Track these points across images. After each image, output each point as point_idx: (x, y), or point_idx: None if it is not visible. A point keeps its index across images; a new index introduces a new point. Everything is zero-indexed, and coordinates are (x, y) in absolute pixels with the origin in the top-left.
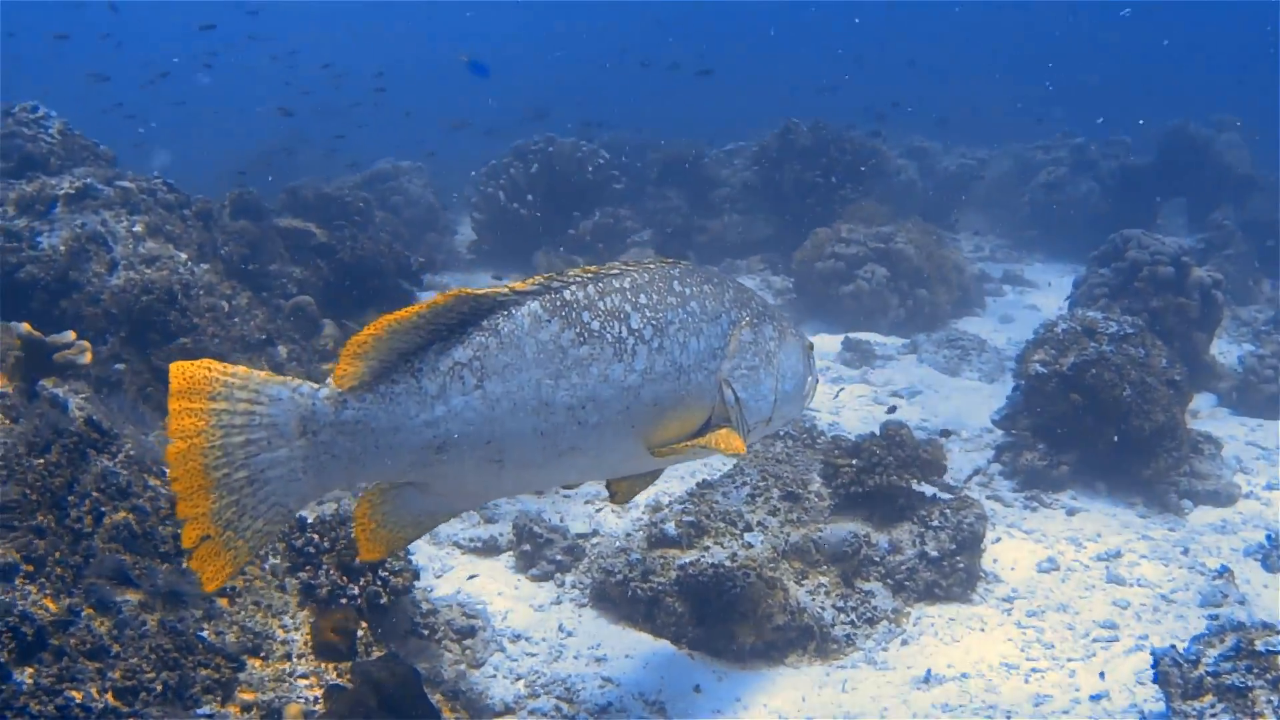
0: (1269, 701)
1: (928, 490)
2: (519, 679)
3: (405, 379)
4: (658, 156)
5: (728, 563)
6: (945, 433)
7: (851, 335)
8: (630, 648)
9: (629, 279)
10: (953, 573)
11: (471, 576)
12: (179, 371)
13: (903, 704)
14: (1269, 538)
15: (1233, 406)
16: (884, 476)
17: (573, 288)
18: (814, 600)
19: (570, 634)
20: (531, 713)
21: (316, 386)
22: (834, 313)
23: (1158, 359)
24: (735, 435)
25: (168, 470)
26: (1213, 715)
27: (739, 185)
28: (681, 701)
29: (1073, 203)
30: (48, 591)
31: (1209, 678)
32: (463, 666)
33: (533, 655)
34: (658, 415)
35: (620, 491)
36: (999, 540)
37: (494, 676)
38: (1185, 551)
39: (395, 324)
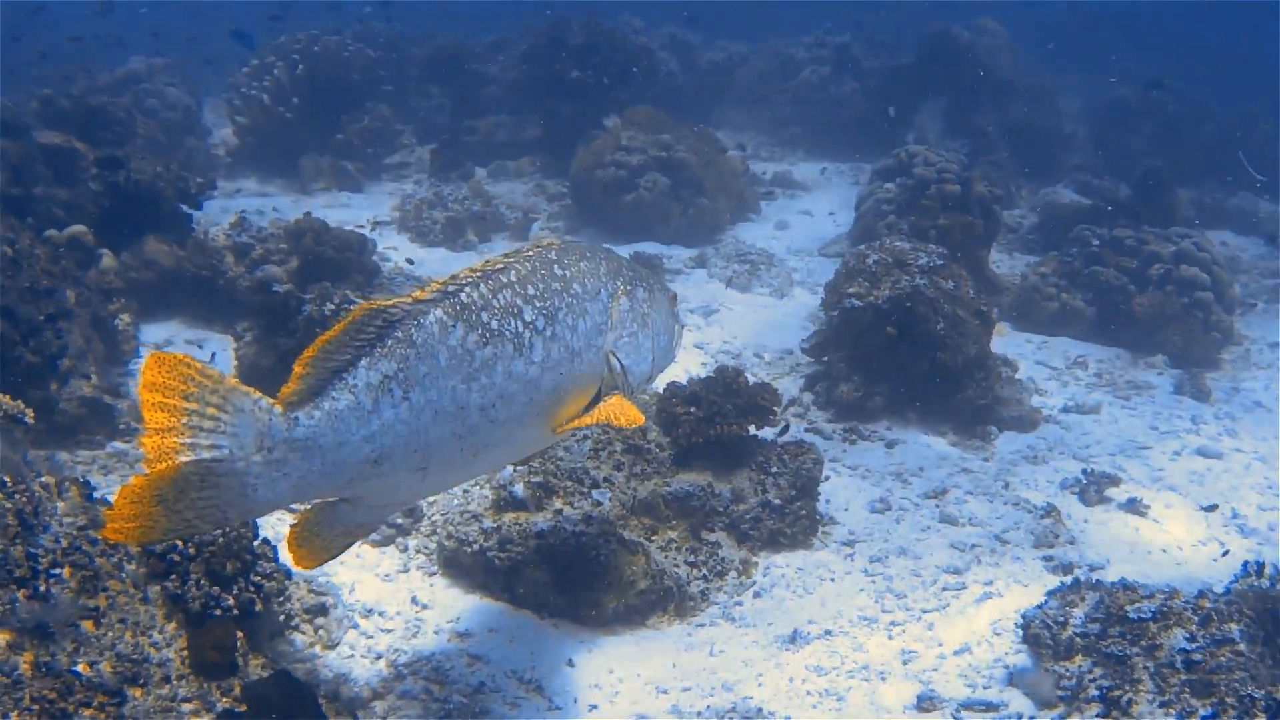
0: (1146, 668)
1: (762, 434)
2: (379, 658)
3: (345, 395)
4: (421, 52)
5: (589, 530)
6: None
7: (639, 249)
8: (493, 621)
9: (514, 272)
10: (795, 520)
11: None
12: (156, 363)
13: (776, 668)
14: (1084, 472)
15: (1012, 321)
16: (724, 426)
17: (467, 289)
18: (667, 558)
19: (426, 606)
20: (401, 696)
21: (273, 402)
22: (614, 222)
23: (966, 289)
24: (627, 404)
25: (143, 458)
26: (1092, 679)
27: (508, 84)
28: (556, 677)
29: (836, 101)
30: None
31: (1079, 639)
32: (317, 649)
33: (389, 631)
34: (558, 399)
35: None
36: (827, 478)
37: (352, 657)
38: (1006, 486)
39: (327, 344)
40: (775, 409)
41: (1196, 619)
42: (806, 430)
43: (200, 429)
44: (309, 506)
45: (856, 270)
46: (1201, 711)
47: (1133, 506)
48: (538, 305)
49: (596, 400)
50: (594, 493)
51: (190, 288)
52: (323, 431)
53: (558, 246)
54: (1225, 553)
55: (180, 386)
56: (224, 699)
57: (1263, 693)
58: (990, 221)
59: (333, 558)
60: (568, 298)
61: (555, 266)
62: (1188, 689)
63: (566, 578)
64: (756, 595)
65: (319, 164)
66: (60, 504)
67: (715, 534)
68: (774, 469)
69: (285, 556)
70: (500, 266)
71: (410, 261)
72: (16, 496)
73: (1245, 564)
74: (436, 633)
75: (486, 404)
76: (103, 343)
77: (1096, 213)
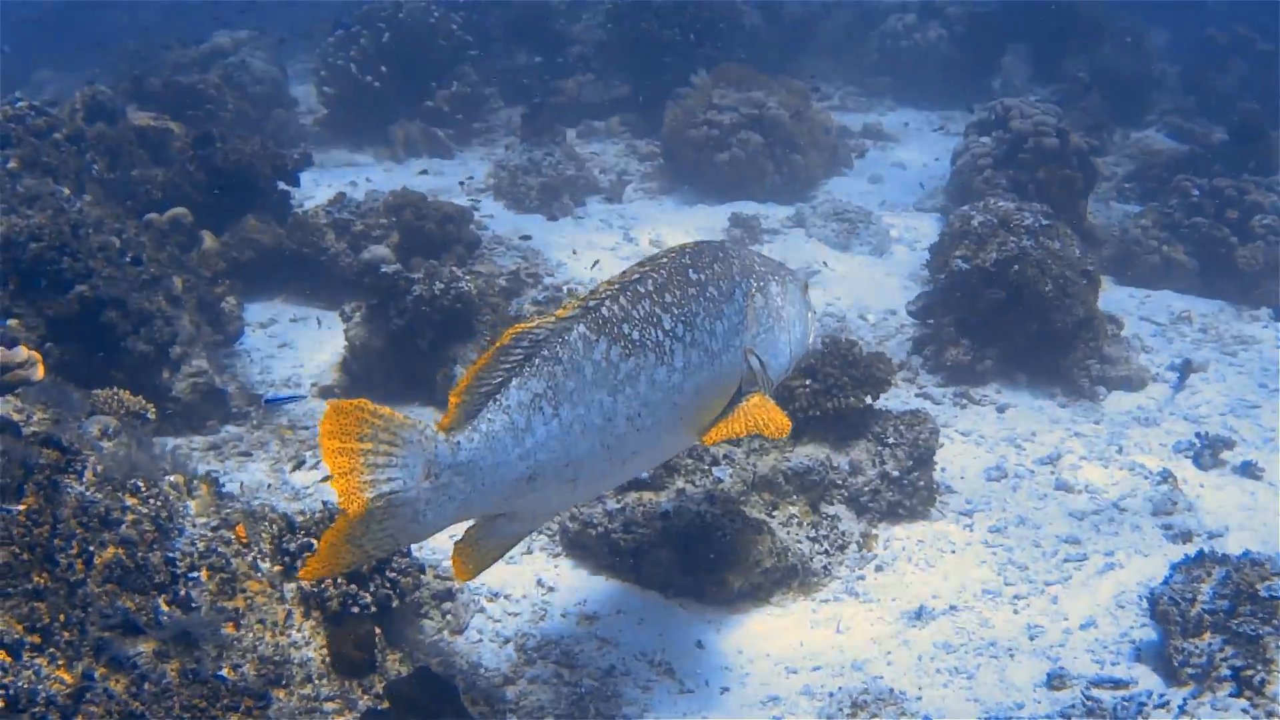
0: (1279, 648)
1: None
2: (507, 642)
3: (500, 416)
4: (504, 15)
5: (712, 509)
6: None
7: (735, 208)
8: (620, 602)
9: (650, 281)
10: (914, 491)
11: None
12: (335, 414)
13: (904, 645)
14: (1198, 435)
15: (1113, 274)
16: (842, 399)
17: (607, 303)
18: (789, 534)
19: (551, 588)
20: (532, 681)
21: (437, 430)
22: (707, 180)
23: (1071, 249)
24: (771, 408)
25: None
26: (1224, 658)
27: (593, 44)
28: (687, 660)
29: (921, 49)
30: (59, 662)
31: (1207, 616)
32: (445, 634)
33: (515, 615)
34: (700, 403)
35: None
36: (941, 445)
37: (480, 641)
38: (1120, 450)
39: (480, 370)
40: (891, 379)
41: None
42: (916, 395)
43: (376, 465)
44: (472, 524)
45: (962, 232)
46: None
47: (1248, 470)
48: (676, 312)
49: (737, 398)
50: (715, 470)
51: (291, 265)
52: (482, 453)
53: (691, 250)
54: None
55: (355, 429)
56: (365, 697)
57: None
58: (1088, 173)
59: (488, 567)
60: (704, 301)
61: (690, 271)
62: None
63: (692, 557)
64: (879, 569)
65: (409, 131)
66: (192, 503)
67: (834, 507)
68: (891, 440)
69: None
70: (637, 277)
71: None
72: (151, 501)
73: None
74: (564, 615)
75: (632, 414)
76: (210, 326)
77: (1193, 159)
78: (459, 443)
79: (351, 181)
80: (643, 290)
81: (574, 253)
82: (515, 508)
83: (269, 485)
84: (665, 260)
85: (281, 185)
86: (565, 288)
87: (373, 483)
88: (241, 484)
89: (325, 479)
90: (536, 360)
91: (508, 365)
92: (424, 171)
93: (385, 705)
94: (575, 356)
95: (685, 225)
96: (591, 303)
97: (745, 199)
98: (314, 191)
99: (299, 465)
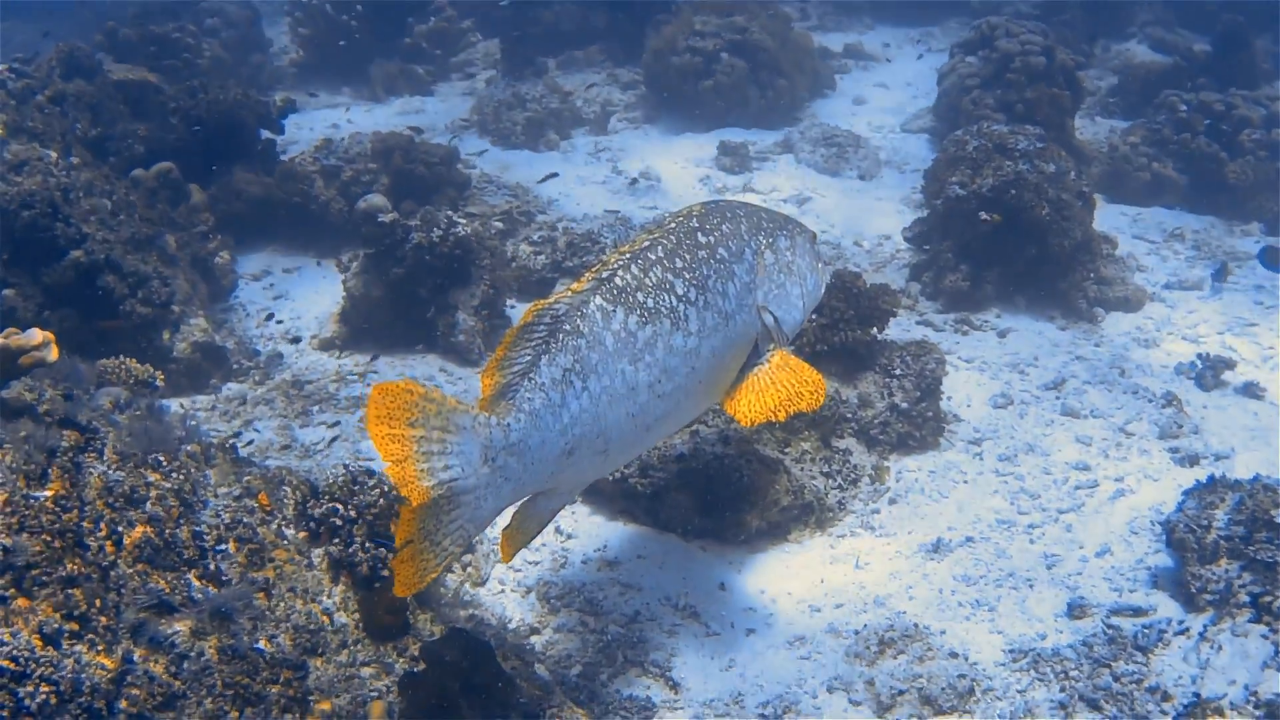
0: None
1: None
2: (529, 591)
3: (538, 394)
4: None
5: (728, 450)
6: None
7: (722, 135)
8: (640, 547)
9: (660, 248)
10: (923, 422)
11: None
12: (381, 397)
13: (924, 579)
14: (1199, 356)
15: (1104, 192)
16: (848, 333)
17: (619, 273)
18: (803, 470)
19: (571, 535)
20: (558, 630)
21: (489, 414)
22: (692, 108)
23: (1066, 171)
24: (795, 366)
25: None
26: (1242, 585)
27: None
28: (711, 602)
29: None
30: (99, 648)
31: (1223, 542)
32: (467, 586)
33: (536, 564)
34: (717, 364)
35: None
36: (945, 374)
37: (502, 592)
38: (1122, 373)
39: (507, 350)
40: (896, 311)
41: None
42: (918, 323)
43: (432, 453)
44: (518, 506)
45: (958, 157)
46: None
47: (1250, 390)
48: (687, 277)
49: (755, 355)
50: None
51: (281, 215)
52: (529, 432)
53: (699, 213)
54: None
55: (406, 414)
56: (401, 660)
57: None
58: (1074, 91)
59: (527, 545)
60: (715, 264)
61: (699, 234)
62: None
63: (710, 499)
64: (892, 502)
65: (388, 69)
66: (211, 472)
67: (845, 440)
68: (898, 371)
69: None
70: (647, 244)
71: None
72: (174, 475)
73: None
74: (584, 562)
75: (653, 380)
76: (205, 282)
77: (1177, 72)
78: (509, 425)
79: (333, 124)
80: (653, 257)
81: (549, 173)
82: (556, 483)
83: (280, 445)
84: (673, 225)
85: (266, 134)
86: (560, 225)
87: (430, 470)
88: (252, 442)
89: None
90: (560, 335)
91: (534, 343)
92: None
93: (421, 667)
94: (595, 329)
95: (674, 155)
96: (605, 273)
97: (731, 126)
98: (296, 135)
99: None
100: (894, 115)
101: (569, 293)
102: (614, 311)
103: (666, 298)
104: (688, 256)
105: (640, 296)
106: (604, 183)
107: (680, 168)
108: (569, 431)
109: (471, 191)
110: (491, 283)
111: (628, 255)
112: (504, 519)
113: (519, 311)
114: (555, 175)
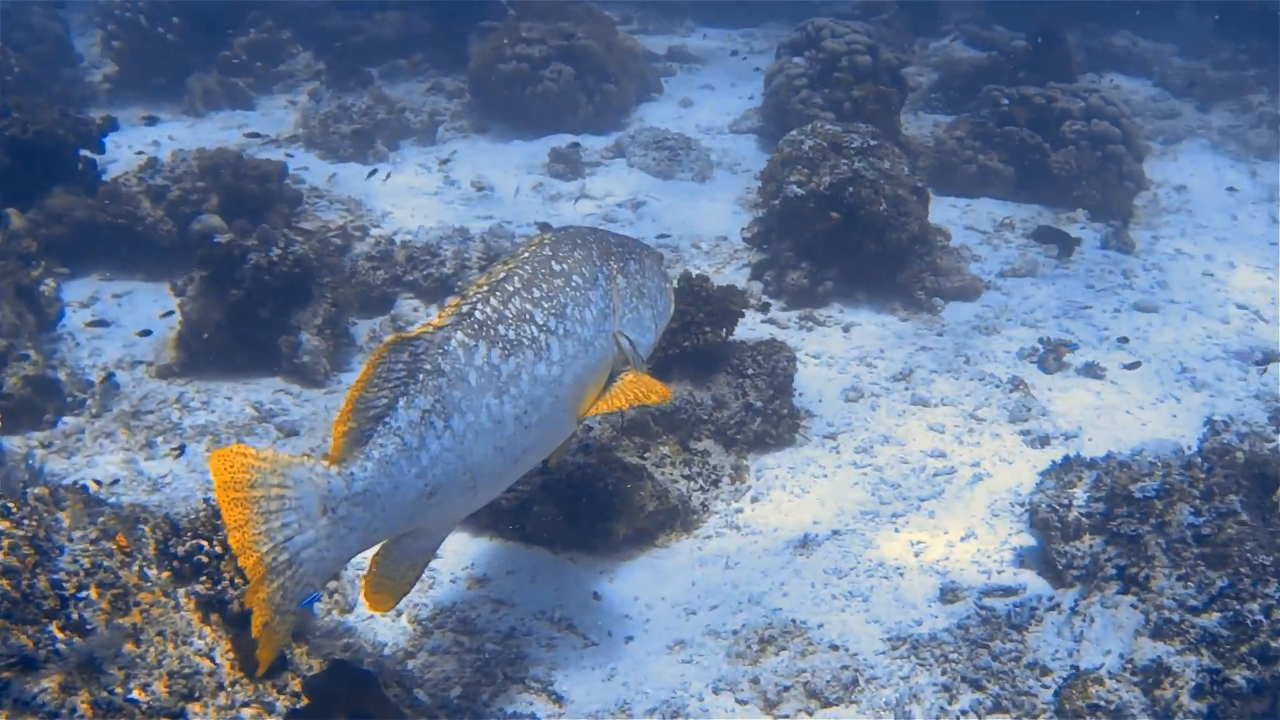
0: (1159, 545)
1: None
2: (399, 615)
3: (391, 439)
4: None
5: (590, 459)
6: None
7: (552, 142)
8: (509, 563)
9: (517, 279)
10: (779, 420)
11: None
12: (222, 463)
13: (795, 575)
14: (1041, 340)
15: (933, 185)
16: (700, 336)
17: (479, 306)
18: (665, 475)
19: (436, 555)
20: (433, 652)
21: (329, 465)
22: (520, 116)
23: (900, 167)
24: (647, 379)
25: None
26: (1108, 558)
27: None
28: (587, 613)
29: None
30: None
31: (1085, 519)
32: (335, 614)
33: None
34: (579, 392)
35: None
36: (795, 370)
37: (372, 618)
38: (967, 361)
39: (361, 394)
40: (744, 311)
41: (1198, 493)
42: (763, 322)
43: (269, 512)
44: (375, 555)
45: (793, 157)
46: (1219, 582)
47: (1091, 370)
48: (546, 306)
49: (612, 379)
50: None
51: (107, 238)
52: (377, 480)
53: (550, 242)
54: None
55: (245, 476)
56: (282, 697)
57: (1272, 558)
58: (900, 88)
59: (408, 591)
60: (571, 291)
61: (553, 263)
62: (1202, 562)
63: (575, 510)
64: (755, 500)
65: (207, 83)
66: (63, 515)
67: (703, 442)
68: (750, 371)
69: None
70: (503, 276)
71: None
72: (26, 522)
73: (1209, 421)
74: (453, 581)
75: (519, 412)
76: (31, 312)
77: (995, 67)
78: (352, 474)
79: (154, 141)
80: (511, 288)
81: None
82: (420, 525)
83: (124, 479)
84: (527, 254)
85: (85, 153)
86: (396, 237)
87: (267, 533)
88: (95, 481)
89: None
90: (420, 375)
91: (391, 384)
92: (253, 132)
93: (305, 703)
94: (458, 365)
95: (505, 164)
96: (465, 308)
97: (561, 132)
98: (115, 154)
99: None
100: (722, 116)
101: (429, 328)
102: (476, 346)
103: (528, 328)
104: (545, 286)
105: (502, 329)
106: (437, 194)
107: (513, 176)
108: (428, 473)
109: (304, 207)
110: (334, 301)
111: (486, 288)
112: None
113: (361, 329)
114: (379, 172)
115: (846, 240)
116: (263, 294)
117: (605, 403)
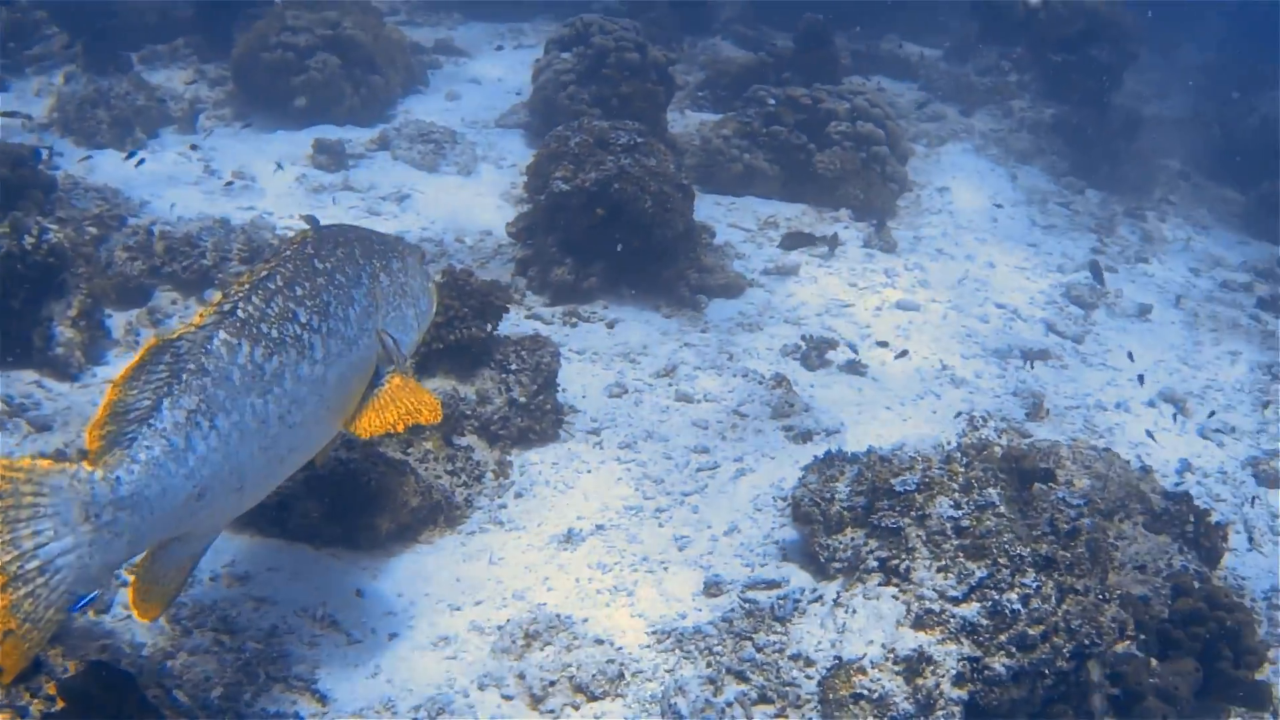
0: (919, 537)
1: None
2: None
3: (157, 441)
4: None
5: (353, 455)
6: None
7: (316, 134)
8: (270, 560)
9: (279, 277)
10: (542, 415)
11: None
12: None
13: (560, 570)
14: (803, 337)
15: (699, 183)
16: (463, 330)
17: (241, 304)
18: (428, 470)
19: None
20: (193, 653)
21: (91, 469)
22: (284, 105)
23: (667, 164)
24: (418, 391)
25: None
26: (869, 551)
27: None
28: (349, 610)
29: None
30: None
31: (846, 512)
32: (89, 614)
33: None
34: (343, 390)
35: None
36: (559, 366)
37: (129, 618)
38: (730, 358)
39: (120, 395)
40: (509, 306)
41: (957, 486)
42: (526, 317)
43: (19, 521)
44: (141, 561)
45: (560, 153)
46: (978, 573)
47: (852, 367)
48: (309, 305)
49: (377, 378)
50: None
51: None
52: (145, 482)
53: (313, 240)
54: (958, 414)
55: None
56: (36, 701)
57: (1029, 550)
58: (667, 85)
59: (176, 596)
60: (334, 289)
61: (315, 260)
62: (961, 553)
63: (339, 506)
64: (519, 496)
65: None
66: None
67: (467, 438)
68: (514, 366)
69: None
70: (265, 274)
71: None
72: None
73: (969, 417)
74: (213, 579)
75: (283, 412)
76: None
77: (762, 67)
78: (118, 478)
79: None
80: (273, 286)
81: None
82: (188, 528)
83: None
84: (289, 253)
85: None
86: (154, 227)
87: (12, 542)
88: None
89: None
90: (184, 375)
91: (154, 385)
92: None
93: (61, 706)
94: (221, 364)
95: (268, 154)
96: (226, 306)
97: (326, 123)
98: None
99: None
100: (489, 110)
101: (191, 327)
102: (239, 345)
103: (291, 327)
104: (307, 284)
105: (264, 328)
106: (197, 183)
107: (272, 166)
108: (196, 474)
109: (59, 194)
110: (89, 292)
111: (248, 286)
112: None
113: (118, 322)
114: (141, 159)
115: (612, 237)
116: (14, 284)
117: (377, 416)
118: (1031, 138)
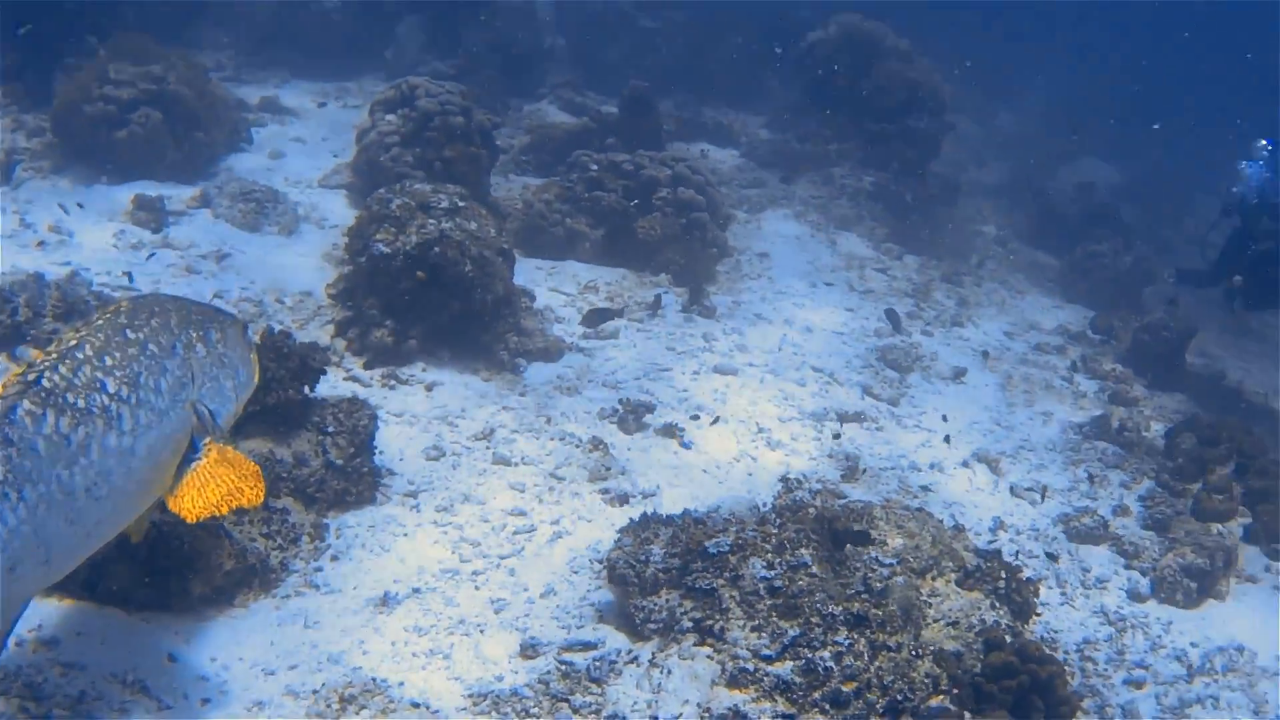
0: (733, 597)
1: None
2: None
3: None
4: None
5: (166, 518)
6: None
7: (136, 189)
8: (79, 624)
9: (88, 346)
10: (359, 477)
11: None
12: None
13: (376, 633)
14: (620, 401)
15: (520, 247)
16: (280, 392)
17: (47, 373)
18: (243, 533)
19: None
20: None
21: None
22: (105, 160)
23: (487, 228)
24: (234, 461)
25: None
26: (684, 612)
27: None
28: (160, 675)
29: (319, 17)
30: None
31: (662, 574)
32: None
33: None
34: (154, 462)
35: None
36: (377, 428)
37: None
38: (549, 421)
39: None
40: (326, 369)
41: (770, 547)
42: (345, 379)
43: None
44: None
45: (381, 215)
46: (791, 631)
47: (669, 430)
48: (118, 375)
49: (192, 450)
50: None
51: None
52: None
53: (126, 309)
54: (785, 478)
55: None
56: None
57: (841, 608)
58: (491, 149)
59: None
60: (145, 360)
61: (127, 330)
62: (775, 613)
63: (151, 569)
64: (335, 558)
65: None
66: None
67: (283, 500)
68: (331, 428)
69: None
70: (74, 343)
71: None
72: None
73: (784, 479)
74: (19, 645)
75: (89, 484)
76: None
77: (586, 133)
78: None
79: None
80: (81, 356)
81: None
82: None
83: None
84: (101, 322)
85: None
86: None
87: None
88: None
89: None
90: None
91: None
92: None
93: None
94: (25, 435)
95: (87, 208)
96: (30, 375)
97: (146, 179)
98: None
99: None
100: (312, 170)
101: None
102: (43, 415)
103: (98, 397)
104: (118, 354)
105: (70, 397)
106: (11, 237)
107: (94, 222)
108: (8, 548)
109: None
110: None
111: (55, 355)
112: None
113: None
114: None
115: (432, 300)
116: None
117: (199, 495)
118: (851, 204)
